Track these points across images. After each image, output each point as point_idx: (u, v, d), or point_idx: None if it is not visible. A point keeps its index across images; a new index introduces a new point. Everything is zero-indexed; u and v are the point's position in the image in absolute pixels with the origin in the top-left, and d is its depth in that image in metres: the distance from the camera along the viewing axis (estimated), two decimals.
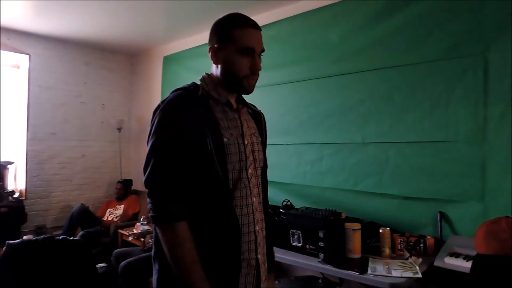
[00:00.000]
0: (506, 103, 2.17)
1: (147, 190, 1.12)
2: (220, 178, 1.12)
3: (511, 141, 2.14)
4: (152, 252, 1.20)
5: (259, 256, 1.21)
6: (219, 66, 1.22)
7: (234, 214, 1.14)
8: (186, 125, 1.10)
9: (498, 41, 2.21)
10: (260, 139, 1.33)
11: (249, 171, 1.22)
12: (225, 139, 1.15)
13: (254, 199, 1.22)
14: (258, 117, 1.40)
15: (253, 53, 1.18)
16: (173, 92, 1.19)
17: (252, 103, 1.43)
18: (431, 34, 2.48)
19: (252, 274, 1.20)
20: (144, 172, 1.12)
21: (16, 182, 4.50)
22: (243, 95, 1.33)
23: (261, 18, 3.52)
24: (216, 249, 1.11)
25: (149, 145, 1.12)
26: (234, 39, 1.17)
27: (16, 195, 4.28)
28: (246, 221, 1.19)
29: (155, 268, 1.17)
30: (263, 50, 1.22)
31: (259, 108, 1.45)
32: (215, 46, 1.21)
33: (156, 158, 1.09)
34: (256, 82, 1.23)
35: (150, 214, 1.11)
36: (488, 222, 1.31)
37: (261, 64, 1.23)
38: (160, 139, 1.11)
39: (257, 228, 1.22)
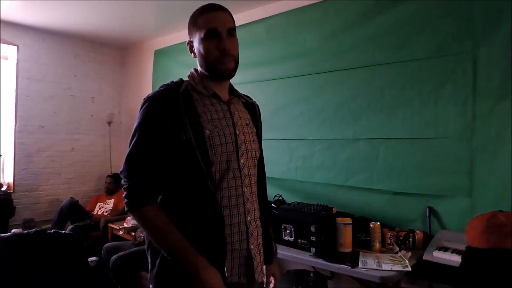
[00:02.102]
0: (494, 101, 2.22)
1: None
2: (203, 170, 1.13)
3: (499, 137, 2.20)
4: (146, 244, 1.22)
5: (251, 247, 1.22)
6: (197, 59, 1.25)
7: (217, 204, 1.15)
8: (163, 119, 1.13)
9: (487, 39, 2.25)
10: (254, 129, 1.34)
11: (241, 161, 1.22)
12: (207, 132, 1.16)
13: (246, 189, 1.23)
14: (252, 108, 1.41)
15: (217, 34, 1.18)
16: (158, 88, 1.22)
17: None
18: (421, 32, 2.51)
19: (244, 265, 1.21)
20: (123, 165, 1.17)
21: (4, 175, 4.44)
22: (236, 88, 1.36)
23: (253, 13, 3.52)
24: (200, 239, 1.12)
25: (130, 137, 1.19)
26: (199, 27, 1.20)
27: (4, 188, 4.21)
28: (236, 211, 1.19)
29: (149, 260, 1.19)
30: (231, 28, 1.21)
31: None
32: (190, 40, 1.27)
33: (130, 150, 1.15)
34: (233, 64, 1.22)
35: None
36: (486, 216, 1.31)
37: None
38: (135, 135, 1.15)
39: (248, 218, 1.22)
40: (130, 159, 1.14)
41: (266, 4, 3.49)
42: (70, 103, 4.86)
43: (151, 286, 1.19)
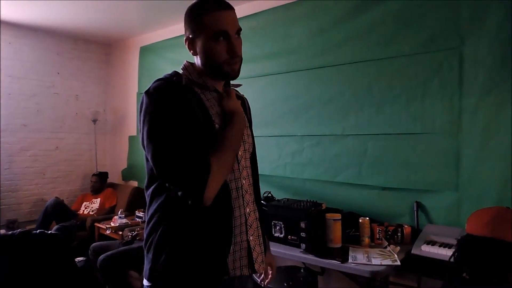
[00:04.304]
0: (480, 96, 2.25)
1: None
2: None
3: (485, 132, 2.23)
4: (145, 241, 1.17)
5: (250, 238, 1.22)
6: (197, 56, 1.20)
7: (230, 198, 1.15)
8: (176, 109, 1.07)
9: (472, 35, 2.28)
10: (247, 122, 1.34)
11: (239, 153, 1.22)
12: (216, 126, 1.14)
13: (244, 181, 1.22)
14: (242, 102, 1.38)
15: (227, 36, 1.13)
16: (154, 82, 1.13)
17: None
18: (408, 28, 2.54)
19: (245, 257, 1.20)
20: (155, 166, 1.07)
21: None
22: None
23: (241, 9, 3.49)
24: (209, 232, 1.11)
25: (145, 135, 1.08)
26: (206, 26, 1.12)
27: None
28: (237, 204, 1.19)
29: (148, 256, 1.16)
30: (239, 29, 1.17)
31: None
32: (190, 36, 1.18)
33: (157, 145, 1.06)
34: (240, 65, 1.19)
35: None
36: (496, 208, 1.35)
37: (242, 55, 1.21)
38: (157, 131, 1.06)
39: (247, 210, 1.22)
40: (168, 154, 1.04)
41: (253, 0, 3.47)
42: (53, 101, 4.77)
43: (146, 282, 1.16)
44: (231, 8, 1.16)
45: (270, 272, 1.50)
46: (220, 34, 1.12)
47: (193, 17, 1.16)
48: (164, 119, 1.06)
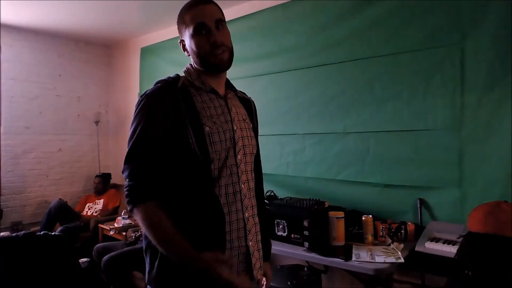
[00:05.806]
0: (482, 92, 2.23)
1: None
2: (202, 168, 1.12)
3: (487, 128, 2.22)
4: (143, 245, 1.18)
5: (249, 243, 1.21)
6: (190, 56, 1.24)
7: (219, 203, 1.14)
8: (164, 115, 1.12)
9: (474, 31, 2.26)
10: (251, 125, 1.33)
11: (238, 157, 1.21)
12: (206, 129, 1.15)
13: (243, 185, 1.22)
14: (248, 104, 1.40)
15: (206, 28, 1.17)
16: (154, 85, 1.19)
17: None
18: (409, 24, 2.52)
19: (243, 262, 1.20)
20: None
21: None
22: (232, 83, 1.34)
23: (241, 8, 3.50)
24: (200, 238, 1.11)
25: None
26: (187, 24, 1.19)
27: None
28: (234, 208, 1.18)
29: (147, 260, 1.16)
30: (219, 20, 1.19)
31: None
32: (182, 39, 1.26)
33: (131, 147, 1.12)
34: (226, 54, 1.20)
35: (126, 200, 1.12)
36: (488, 204, 1.35)
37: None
38: (134, 133, 1.12)
39: (246, 215, 1.22)
40: (131, 157, 1.11)
41: None
42: (55, 103, 4.79)
43: (148, 287, 1.16)
44: (209, 2, 1.21)
45: (264, 283, 1.40)
46: (199, 27, 1.17)
47: (179, 20, 1.23)
48: (142, 130, 1.11)
